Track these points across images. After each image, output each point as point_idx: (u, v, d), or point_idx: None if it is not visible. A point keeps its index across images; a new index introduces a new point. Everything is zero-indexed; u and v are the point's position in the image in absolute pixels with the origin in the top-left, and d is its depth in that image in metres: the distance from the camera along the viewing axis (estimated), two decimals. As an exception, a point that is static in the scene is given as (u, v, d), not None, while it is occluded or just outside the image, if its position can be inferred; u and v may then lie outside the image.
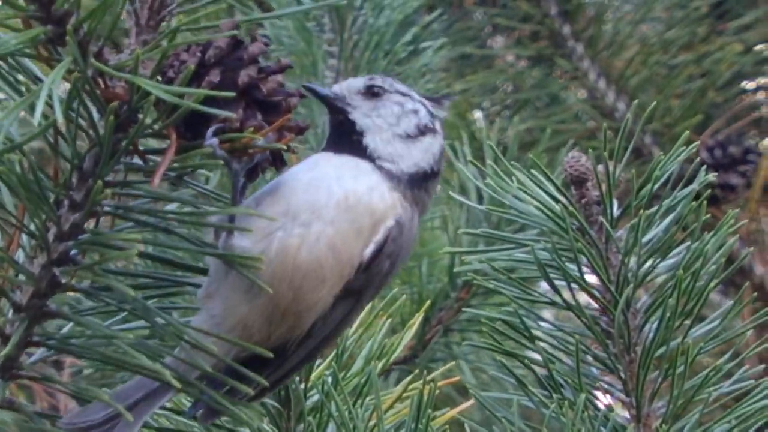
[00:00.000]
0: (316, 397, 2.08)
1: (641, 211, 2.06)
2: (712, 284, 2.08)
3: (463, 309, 2.97)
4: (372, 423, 2.04)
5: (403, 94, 1.96)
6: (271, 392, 1.95)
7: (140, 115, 1.79)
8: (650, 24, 3.53)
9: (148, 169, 1.85)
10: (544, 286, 2.15)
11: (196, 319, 1.88)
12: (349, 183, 1.87)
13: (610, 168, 2.07)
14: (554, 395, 2.09)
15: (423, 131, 1.95)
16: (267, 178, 1.95)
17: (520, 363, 2.14)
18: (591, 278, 2.12)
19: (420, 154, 1.94)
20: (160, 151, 1.85)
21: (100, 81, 1.80)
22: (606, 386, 2.13)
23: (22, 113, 1.76)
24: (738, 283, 3.25)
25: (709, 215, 2.08)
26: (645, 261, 2.10)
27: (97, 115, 1.82)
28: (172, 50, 1.79)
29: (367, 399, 2.11)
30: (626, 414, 2.12)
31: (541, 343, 2.13)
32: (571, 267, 2.09)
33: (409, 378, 2.16)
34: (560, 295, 2.11)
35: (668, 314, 2.07)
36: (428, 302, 2.85)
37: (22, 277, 1.85)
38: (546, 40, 3.49)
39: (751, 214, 3.34)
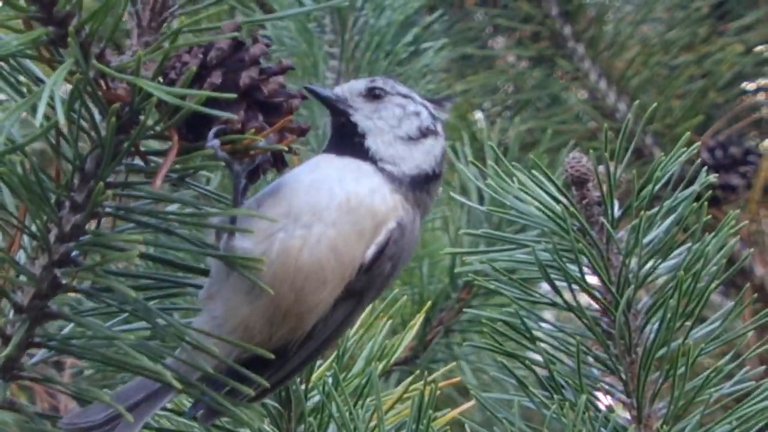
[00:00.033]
0: (316, 398, 2.08)
1: (642, 212, 2.06)
2: (713, 285, 2.08)
3: (464, 310, 2.97)
4: (373, 424, 2.04)
5: (405, 96, 1.96)
6: (272, 393, 1.95)
7: (142, 117, 1.79)
8: (651, 25, 3.52)
9: (149, 170, 1.85)
10: (545, 286, 2.15)
11: (197, 320, 1.88)
12: (351, 185, 1.87)
13: (611, 169, 2.07)
14: (555, 396, 2.09)
15: (424, 133, 1.95)
16: (268, 180, 1.95)
17: (521, 364, 2.14)
18: (592, 279, 2.12)
19: (422, 156, 1.94)
20: (162, 153, 1.85)
21: (102, 82, 1.80)
22: (607, 387, 2.13)
23: (24, 114, 1.76)
24: (739, 284, 3.25)
25: (709, 216, 2.08)
26: (646, 262, 2.10)
27: (98, 117, 1.82)
28: (173, 52, 1.78)
29: (368, 400, 2.10)
30: (627, 415, 2.12)
31: (542, 344, 2.13)
32: (572, 268, 2.09)
33: (410, 379, 2.16)
34: (561, 296, 2.11)
35: (669, 315, 2.07)
36: (429, 303, 2.84)
37: (23, 278, 1.85)
38: (547, 41, 3.49)
39: (751, 215, 3.34)
